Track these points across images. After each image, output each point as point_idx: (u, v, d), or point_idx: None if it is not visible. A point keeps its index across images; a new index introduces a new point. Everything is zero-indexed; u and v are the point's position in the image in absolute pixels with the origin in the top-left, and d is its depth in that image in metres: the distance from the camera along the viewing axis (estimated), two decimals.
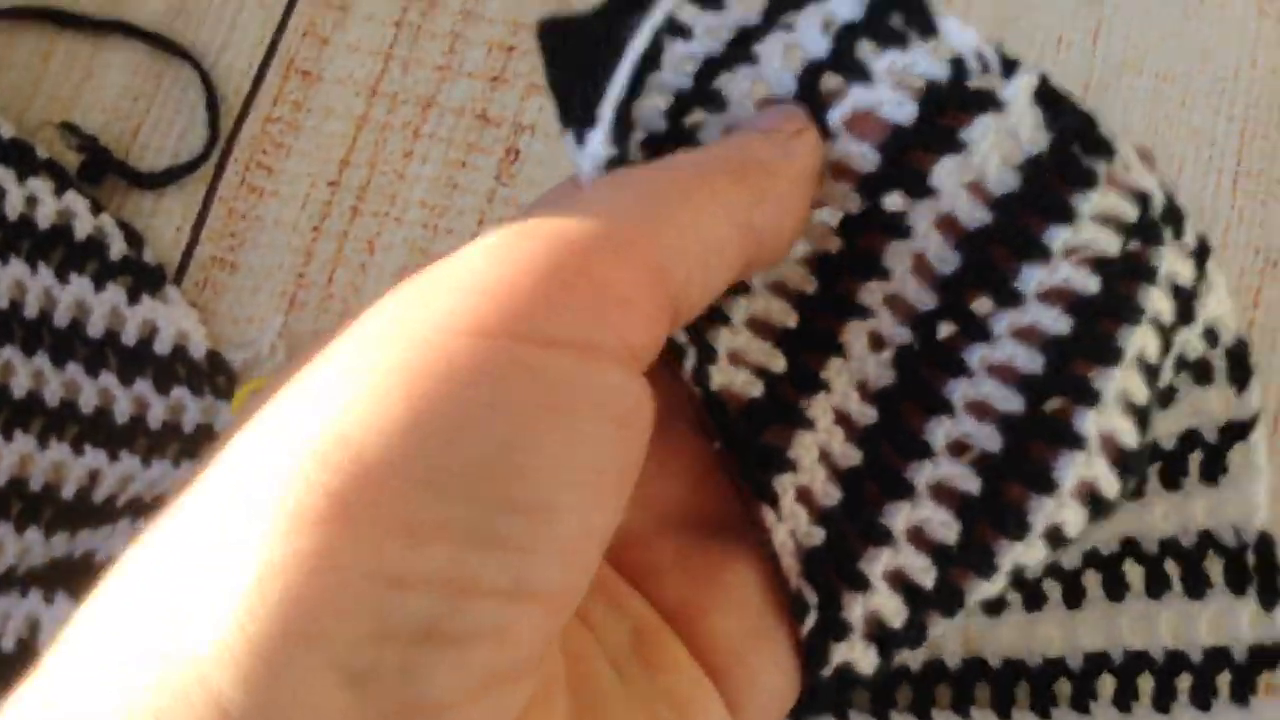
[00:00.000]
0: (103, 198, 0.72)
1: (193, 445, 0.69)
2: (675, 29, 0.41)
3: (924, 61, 0.39)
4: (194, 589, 0.29)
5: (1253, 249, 0.69)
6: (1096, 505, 0.40)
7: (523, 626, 0.31)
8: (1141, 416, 0.40)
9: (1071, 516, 0.40)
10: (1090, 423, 0.39)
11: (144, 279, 0.70)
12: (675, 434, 0.41)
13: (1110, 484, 0.40)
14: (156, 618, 0.29)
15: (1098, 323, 0.39)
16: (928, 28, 0.39)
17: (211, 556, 0.29)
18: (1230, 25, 0.74)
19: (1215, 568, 0.49)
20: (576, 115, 0.39)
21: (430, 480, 0.29)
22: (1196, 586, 0.49)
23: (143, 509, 0.65)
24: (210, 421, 0.69)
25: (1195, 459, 0.47)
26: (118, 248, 0.70)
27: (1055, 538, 0.40)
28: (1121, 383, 0.39)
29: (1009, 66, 0.39)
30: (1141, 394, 0.40)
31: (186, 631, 0.29)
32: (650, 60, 0.40)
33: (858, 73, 0.39)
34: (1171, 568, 0.50)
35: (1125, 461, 0.40)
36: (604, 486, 0.32)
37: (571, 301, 0.31)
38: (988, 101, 0.39)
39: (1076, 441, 0.39)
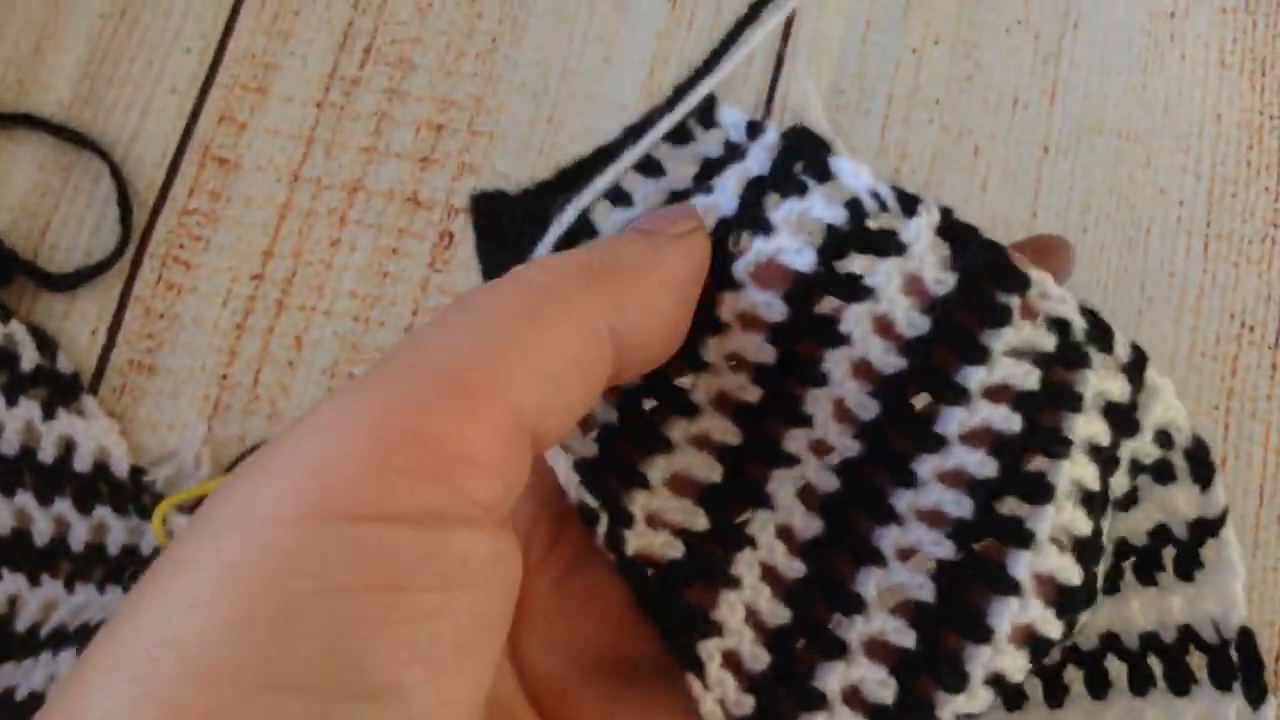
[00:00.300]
0: (11, 302, 0.72)
1: (118, 568, 0.68)
2: (617, 196, 0.44)
3: (819, 206, 0.41)
4: None
5: (1227, 314, 0.70)
6: (1038, 647, 0.40)
7: None
8: (1085, 549, 0.41)
9: (1011, 663, 0.40)
10: (1024, 565, 0.40)
11: (59, 390, 0.70)
12: (593, 574, 0.41)
13: (1051, 625, 0.40)
14: None
15: (1024, 460, 0.40)
16: (823, 172, 0.41)
17: None
18: (1191, 79, 0.75)
19: (1198, 663, 0.49)
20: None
21: (264, 682, 0.30)
22: (1181, 683, 0.49)
23: (67, 639, 0.64)
24: (136, 543, 0.68)
25: (1169, 554, 0.48)
26: (29, 356, 0.70)
27: (998, 684, 0.40)
28: (1057, 518, 0.40)
29: (908, 204, 0.41)
30: (1083, 525, 0.40)
31: None
32: (585, 229, 0.43)
33: (760, 224, 0.41)
34: (1154, 663, 0.50)
35: (1066, 600, 0.40)
36: (462, 654, 0.33)
37: (404, 468, 0.32)
38: (889, 244, 0.40)
39: (1010, 586, 0.39)
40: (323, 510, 0.31)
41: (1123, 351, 0.42)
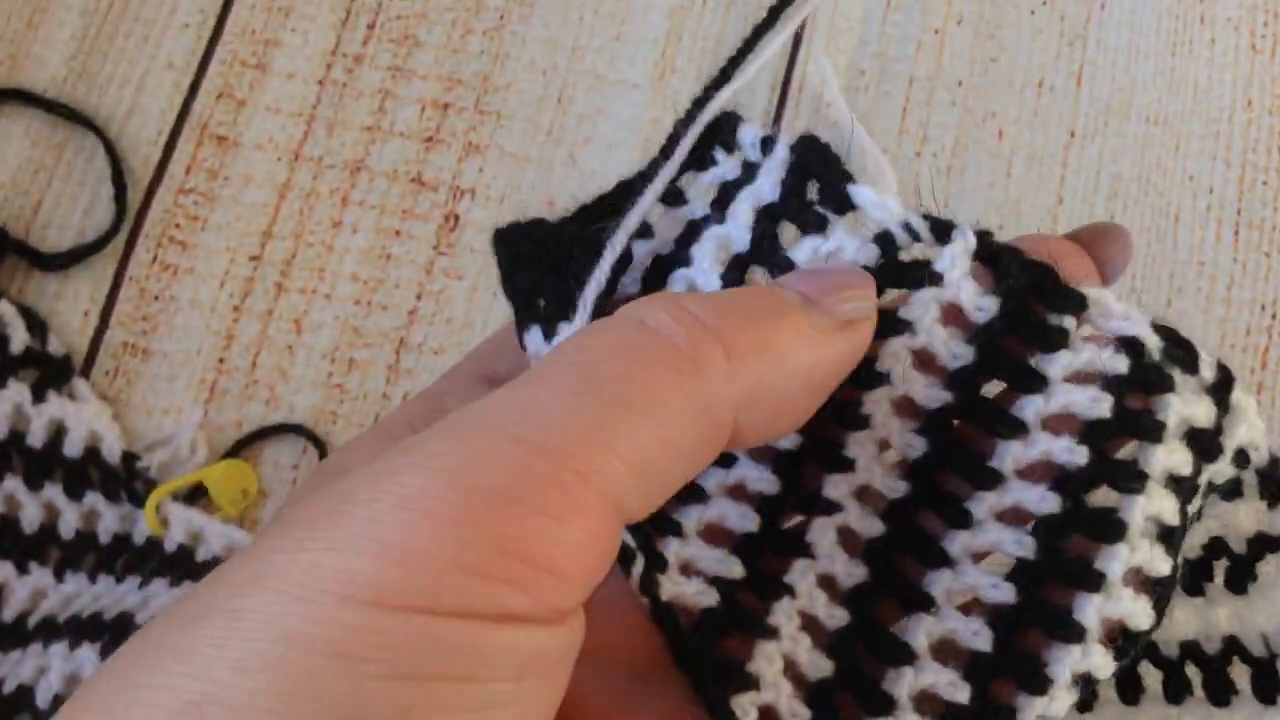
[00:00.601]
0: (1, 281, 0.71)
1: (110, 557, 0.66)
2: (641, 230, 0.41)
3: (850, 246, 0.39)
4: None
5: (1258, 305, 0.68)
6: (1088, 685, 0.39)
7: None
8: (1162, 590, 0.39)
9: (1061, 707, 0.38)
10: (1093, 609, 0.38)
11: (50, 372, 0.68)
12: (612, 578, 0.40)
13: (1107, 669, 0.39)
14: None
15: (1090, 495, 0.38)
16: (844, 203, 0.40)
17: None
18: (1221, 63, 0.74)
19: (1241, 675, 0.48)
20: (542, 311, 0.40)
21: None
22: (1221, 693, 0.48)
23: (57, 630, 0.63)
24: (128, 531, 0.67)
25: (1221, 566, 0.46)
26: (20, 338, 0.68)
27: None
28: (1132, 558, 0.38)
29: (941, 231, 0.39)
30: (1161, 564, 0.39)
31: None
32: (623, 260, 0.41)
33: (779, 265, 0.40)
34: (1192, 672, 0.49)
35: (1130, 644, 0.39)
36: None
37: (488, 572, 0.30)
38: (922, 275, 0.39)
39: (1076, 633, 0.38)
40: (397, 599, 0.30)
41: (1208, 372, 0.39)
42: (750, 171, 0.41)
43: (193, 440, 0.68)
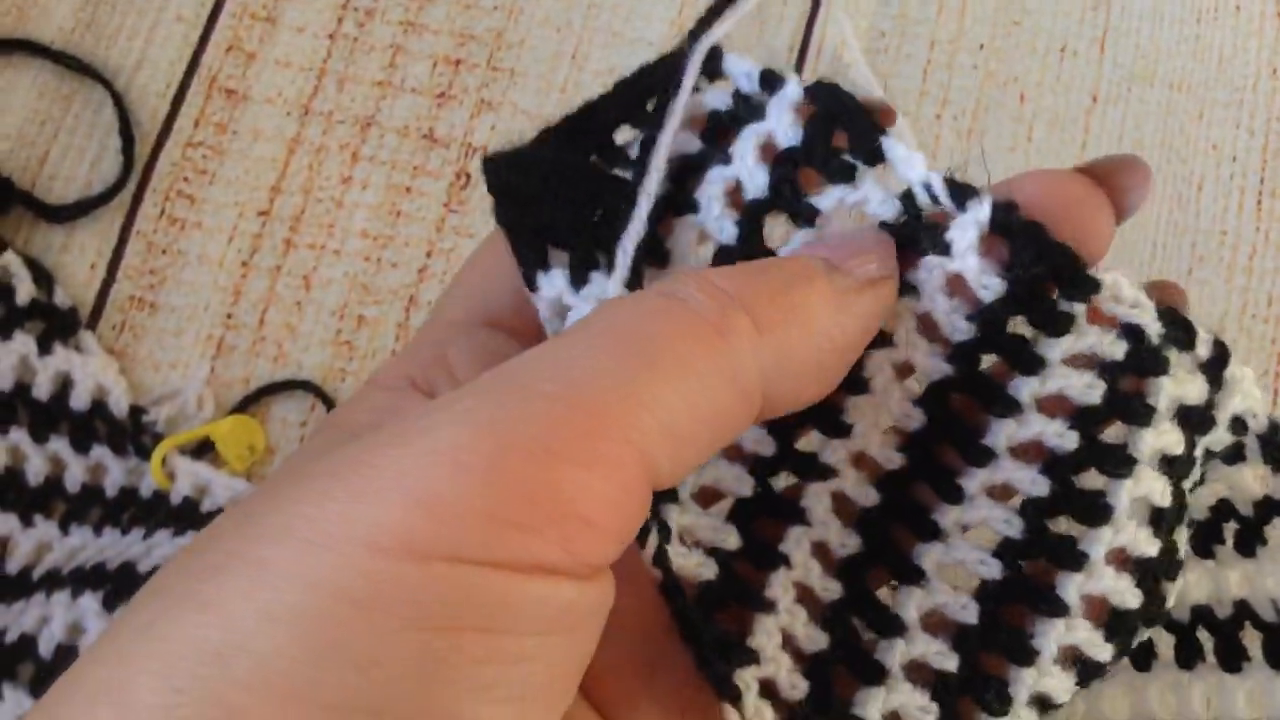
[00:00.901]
0: (7, 233, 0.70)
1: (116, 510, 0.66)
2: (618, 157, 0.41)
3: (875, 199, 0.39)
4: None
5: None
6: (1086, 669, 0.39)
7: None
8: (1148, 570, 0.39)
9: (1057, 684, 0.39)
10: (1074, 587, 0.38)
11: (56, 324, 0.68)
12: (632, 550, 0.39)
13: (1100, 649, 0.39)
14: None
15: (1080, 478, 0.39)
16: (875, 155, 0.39)
17: None
18: (1247, 30, 0.73)
19: (1252, 640, 0.48)
20: (569, 259, 0.39)
21: (339, 708, 0.29)
22: (1233, 659, 0.48)
23: (60, 582, 0.63)
24: (135, 485, 0.66)
25: (1230, 528, 0.46)
26: (25, 289, 0.68)
27: (1043, 706, 0.39)
28: (1116, 538, 0.38)
29: (959, 196, 0.38)
30: (1146, 545, 0.39)
31: None
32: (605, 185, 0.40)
33: (802, 213, 0.39)
34: (1204, 637, 0.49)
35: (1119, 623, 0.39)
36: (552, 692, 0.32)
37: (518, 521, 0.30)
38: (932, 241, 0.38)
39: (1058, 608, 0.38)
40: (425, 548, 0.30)
41: (1204, 349, 0.39)
42: (747, 105, 0.41)
43: (200, 395, 0.68)
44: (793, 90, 0.40)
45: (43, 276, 0.69)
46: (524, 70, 0.73)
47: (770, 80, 0.40)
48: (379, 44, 0.74)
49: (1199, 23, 0.73)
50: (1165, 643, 0.51)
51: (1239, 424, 0.41)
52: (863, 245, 0.38)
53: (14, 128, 0.73)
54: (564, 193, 0.39)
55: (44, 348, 0.67)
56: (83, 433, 0.67)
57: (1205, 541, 0.47)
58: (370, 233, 0.71)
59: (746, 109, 0.40)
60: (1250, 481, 0.44)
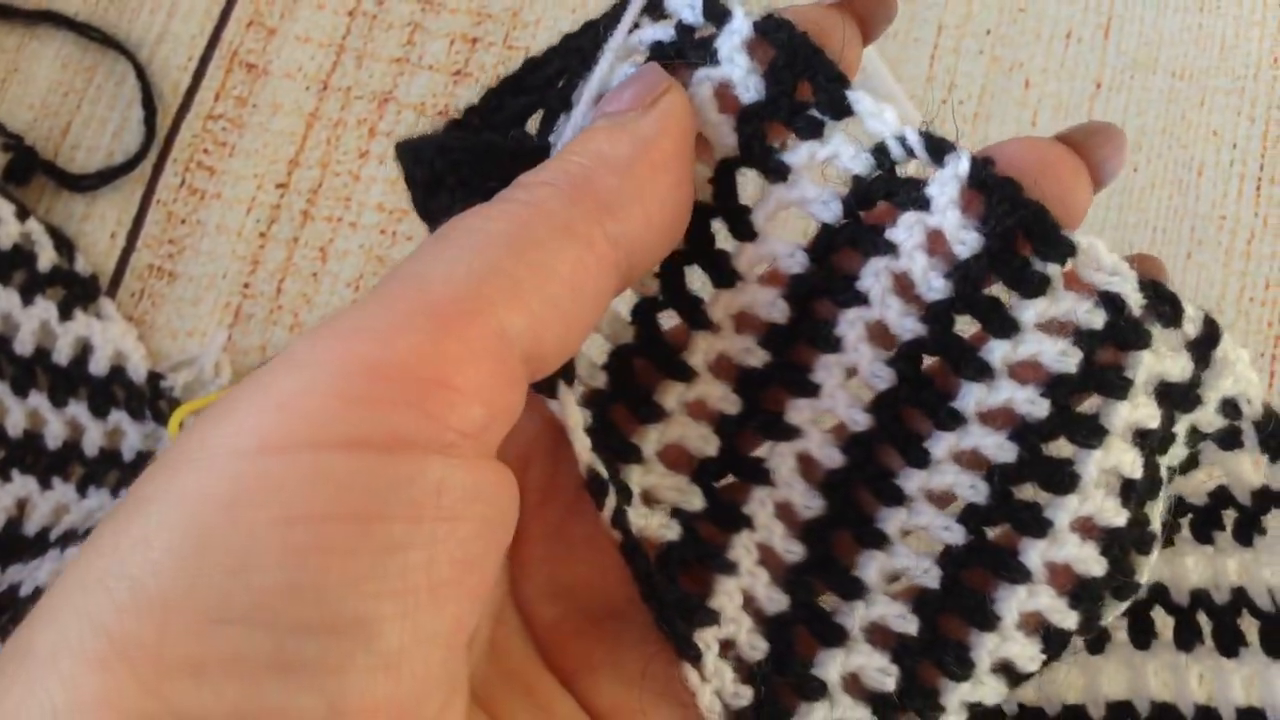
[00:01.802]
0: (30, 201, 0.70)
1: (133, 474, 0.66)
2: (560, 103, 0.40)
3: (846, 154, 0.38)
4: None
5: (1278, 259, 0.68)
6: (1051, 636, 0.39)
7: None
8: (1114, 539, 0.39)
9: (1021, 651, 0.39)
10: (1036, 553, 0.38)
11: (76, 291, 0.68)
12: (592, 516, 0.39)
13: (1064, 615, 0.39)
14: None
15: (1048, 446, 0.38)
16: (841, 109, 0.38)
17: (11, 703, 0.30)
18: (1249, 20, 0.73)
19: (1249, 626, 0.48)
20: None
21: (217, 614, 0.29)
22: (1230, 644, 0.49)
23: (77, 541, 0.63)
24: (152, 449, 0.67)
25: (1229, 516, 0.46)
26: (47, 256, 0.68)
27: (1008, 673, 0.39)
28: (1081, 507, 0.38)
29: (937, 152, 0.38)
30: (1113, 515, 0.39)
31: None
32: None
33: (773, 168, 0.39)
34: (1203, 621, 0.49)
35: (1084, 590, 0.39)
36: (439, 590, 0.32)
37: (369, 396, 0.31)
38: (911, 196, 0.38)
39: (1020, 574, 0.38)
40: (281, 441, 0.30)
41: (1192, 327, 0.38)
42: (690, 38, 0.39)
43: (217, 362, 0.68)
44: (740, 24, 0.39)
45: (64, 244, 0.69)
46: (539, 49, 0.73)
47: (714, 10, 0.39)
48: (397, 21, 0.74)
49: (1201, 11, 0.73)
50: (1165, 623, 0.51)
51: (1232, 407, 0.41)
52: (631, 85, 0.38)
53: (38, 98, 0.73)
54: (482, 172, 0.38)
55: (64, 314, 0.67)
56: (101, 398, 0.67)
57: (1205, 527, 0.47)
58: (386, 206, 0.71)
59: (691, 42, 0.39)
60: (1248, 470, 0.44)
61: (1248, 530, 0.46)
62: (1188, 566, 0.48)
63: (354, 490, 0.30)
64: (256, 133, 0.72)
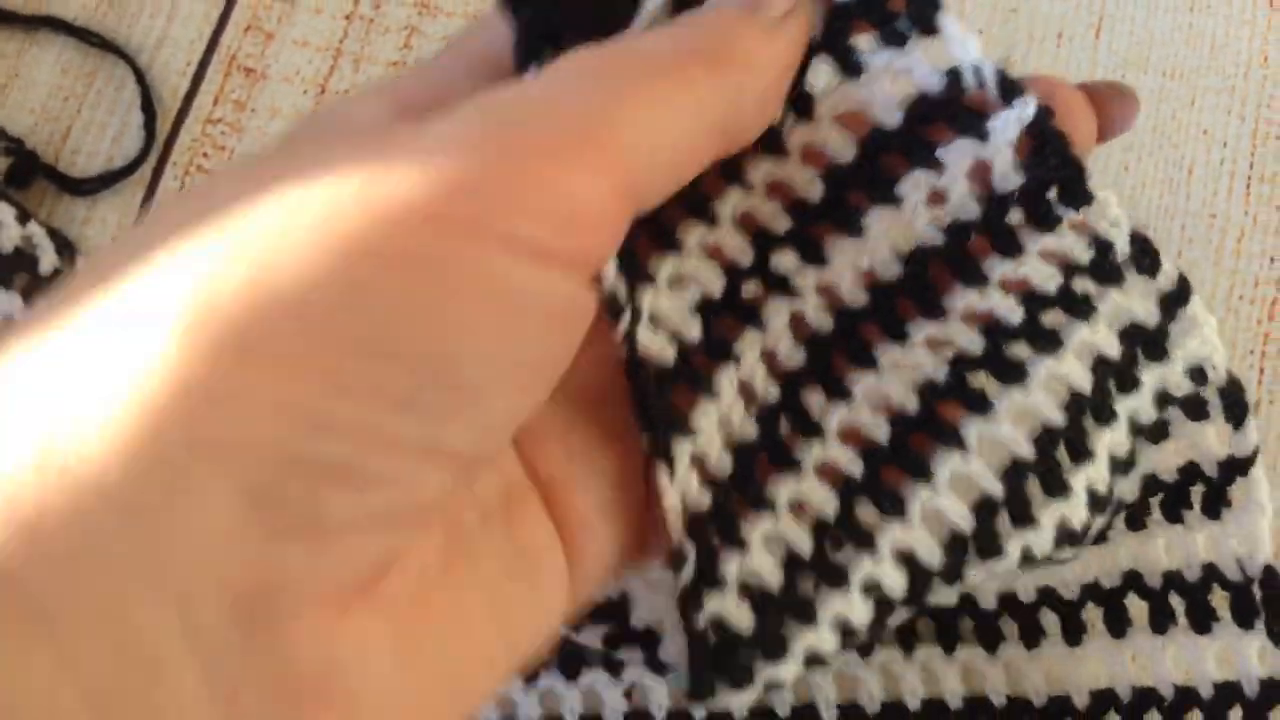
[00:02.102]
0: (31, 204, 0.71)
1: None
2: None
3: (920, 69, 0.40)
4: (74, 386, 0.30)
5: (1267, 258, 0.68)
6: (981, 504, 0.41)
7: (429, 481, 0.32)
8: (1047, 437, 0.41)
9: (950, 505, 0.41)
10: (974, 427, 0.41)
11: None
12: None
13: (990, 483, 0.41)
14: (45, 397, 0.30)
15: (1009, 346, 0.41)
16: (929, 26, 0.40)
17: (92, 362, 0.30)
18: (1239, 19, 0.73)
19: (1221, 602, 0.49)
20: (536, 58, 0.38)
21: (364, 340, 0.30)
22: (1202, 621, 0.50)
23: None
24: None
25: (1197, 492, 0.48)
26: (48, 259, 0.69)
27: (935, 524, 0.41)
28: (1024, 400, 0.41)
29: (1008, 91, 0.39)
30: (1052, 413, 0.41)
31: (69, 424, 0.29)
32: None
33: (849, 65, 0.40)
34: (1176, 602, 0.50)
35: (1012, 469, 0.41)
36: (533, 377, 0.34)
37: (538, 207, 0.32)
38: (973, 126, 0.39)
39: (956, 441, 0.41)
40: (453, 222, 0.31)
41: (1166, 281, 0.42)
42: None
43: None
44: None
45: (65, 247, 0.69)
46: None
47: None
48: (394, 25, 0.75)
49: (1192, 11, 0.73)
50: (1139, 609, 0.52)
51: (1198, 374, 0.43)
52: None
53: (38, 103, 0.74)
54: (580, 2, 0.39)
55: None
56: None
57: (1174, 507, 0.48)
58: None
59: None
60: (1214, 441, 0.45)
61: (1215, 503, 0.47)
62: (1159, 548, 0.50)
63: (502, 284, 0.32)
64: (255, 136, 0.73)
